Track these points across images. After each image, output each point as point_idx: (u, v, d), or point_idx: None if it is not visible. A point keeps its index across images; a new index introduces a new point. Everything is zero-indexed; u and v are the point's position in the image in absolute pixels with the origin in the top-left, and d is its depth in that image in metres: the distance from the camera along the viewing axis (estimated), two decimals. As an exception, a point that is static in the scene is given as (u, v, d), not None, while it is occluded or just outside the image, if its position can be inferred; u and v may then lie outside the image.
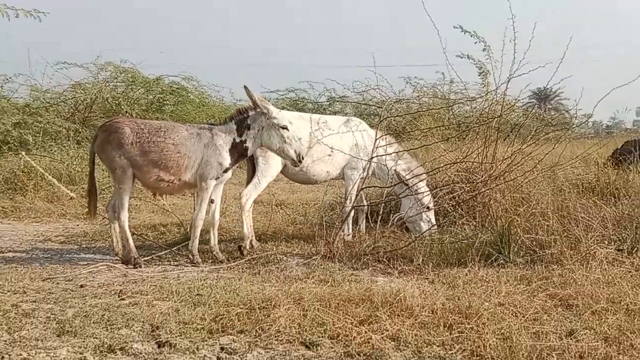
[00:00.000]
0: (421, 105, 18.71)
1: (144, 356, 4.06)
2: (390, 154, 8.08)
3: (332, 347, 4.20)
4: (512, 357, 3.99)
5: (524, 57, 8.30)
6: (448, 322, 4.58)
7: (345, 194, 8.15)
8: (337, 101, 22.54)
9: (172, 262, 7.00)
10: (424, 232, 7.47)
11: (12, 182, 11.53)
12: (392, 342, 4.26)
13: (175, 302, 5.18)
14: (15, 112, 15.57)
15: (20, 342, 4.24)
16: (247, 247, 7.41)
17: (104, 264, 6.72)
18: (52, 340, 4.28)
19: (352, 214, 7.89)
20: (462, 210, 7.89)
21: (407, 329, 4.41)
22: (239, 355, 4.08)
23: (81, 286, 5.84)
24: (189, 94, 19.91)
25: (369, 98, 21.40)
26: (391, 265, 6.60)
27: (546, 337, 4.33)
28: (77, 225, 9.55)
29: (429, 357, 4.05)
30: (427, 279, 6.07)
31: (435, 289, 5.48)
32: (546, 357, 3.99)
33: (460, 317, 4.66)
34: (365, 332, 4.34)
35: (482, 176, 7.97)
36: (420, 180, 7.90)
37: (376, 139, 7.82)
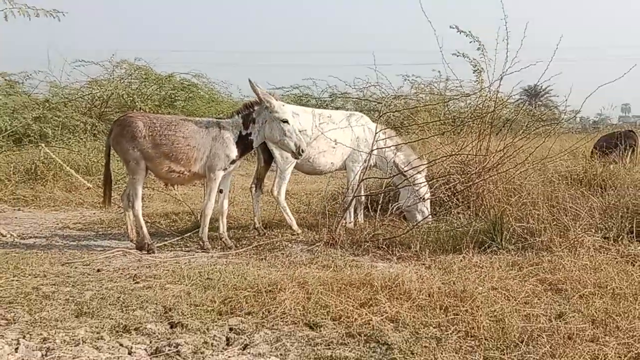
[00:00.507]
0: (418, 102, 18.64)
1: (157, 336, 4.07)
2: (390, 146, 8.09)
3: (334, 328, 4.19)
4: (505, 338, 3.99)
5: (516, 55, 8.29)
6: (444, 304, 4.57)
7: (347, 185, 8.17)
8: (339, 97, 22.51)
9: (183, 248, 7.00)
10: (420, 222, 7.47)
11: (33, 172, 11.54)
12: (391, 324, 4.26)
13: (186, 285, 5.18)
14: (36, 107, 15.60)
15: (40, 322, 4.25)
16: (297, 231, 7.62)
17: (120, 249, 6.73)
18: (70, 321, 4.29)
19: (353, 203, 7.90)
20: (457, 200, 7.87)
21: (405, 311, 4.41)
22: (247, 336, 4.08)
23: (98, 270, 5.85)
24: (199, 90, 19.95)
25: (369, 94, 21.38)
26: (390, 252, 6.60)
27: (537, 319, 4.33)
28: (94, 213, 9.55)
29: (425, 337, 4.04)
30: (424, 264, 6.07)
31: (431, 274, 5.47)
32: (537, 338, 3.98)
33: (455, 300, 4.66)
34: (366, 314, 4.34)
35: (476, 168, 7.95)
36: (418, 172, 7.90)
37: (376, 133, 7.83)
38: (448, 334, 4.08)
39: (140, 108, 16.27)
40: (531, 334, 4.02)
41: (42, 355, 3.74)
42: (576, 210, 6.81)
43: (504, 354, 3.77)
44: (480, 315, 4.31)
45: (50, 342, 3.90)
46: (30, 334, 4.02)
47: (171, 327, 4.22)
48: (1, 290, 4.98)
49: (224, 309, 4.54)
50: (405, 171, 7.88)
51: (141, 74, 18.62)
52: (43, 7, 8.22)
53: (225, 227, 7.09)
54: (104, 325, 4.19)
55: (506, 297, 4.78)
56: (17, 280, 5.32)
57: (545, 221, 6.55)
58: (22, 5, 8.05)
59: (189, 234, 7.52)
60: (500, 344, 3.92)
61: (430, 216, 7.84)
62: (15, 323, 4.24)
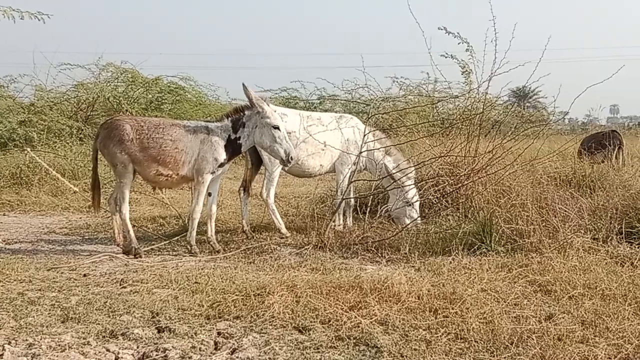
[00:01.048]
0: (407, 103, 18.70)
1: (144, 341, 4.05)
2: (379, 148, 8.09)
3: (323, 331, 4.19)
4: (494, 340, 4.00)
5: (505, 56, 8.34)
6: (433, 307, 4.58)
7: (337, 187, 8.18)
8: (328, 99, 22.52)
9: (171, 252, 6.97)
10: (407, 225, 7.46)
11: (18, 177, 11.50)
12: (381, 326, 4.26)
13: (174, 289, 5.17)
14: (21, 111, 15.58)
15: (26, 328, 4.23)
16: (285, 234, 7.63)
17: (106, 254, 6.70)
18: (56, 327, 4.26)
19: (342, 205, 7.91)
20: (446, 201, 7.90)
21: (395, 314, 4.42)
22: (235, 340, 4.07)
23: (84, 275, 5.82)
24: (187, 93, 19.88)
25: (357, 96, 21.39)
26: (379, 254, 6.61)
27: (526, 321, 4.34)
28: (80, 217, 9.50)
29: (415, 340, 4.04)
30: (413, 266, 6.08)
31: (421, 276, 5.47)
32: (526, 339, 4.00)
33: (445, 302, 4.67)
34: (355, 317, 4.34)
35: (465, 170, 7.98)
36: (405, 175, 7.90)
37: (365, 135, 7.84)
38: (438, 336, 4.09)
39: (127, 111, 16.21)
40: (521, 336, 4.04)
41: (28, 361, 3.72)
42: (565, 211, 6.83)
43: (493, 356, 3.78)
44: (470, 317, 4.32)
45: (36, 347, 3.88)
46: (16, 340, 3.99)
47: (158, 332, 4.20)
48: (-14, 296, 4.94)
49: (212, 313, 4.53)
50: (393, 174, 7.89)
51: (128, 77, 18.57)
52: (28, 10, 8.18)
53: (213, 230, 7.07)
54: (90, 331, 4.16)
55: (496, 299, 4.79)
56: (2, 286, 5.28)
57: (534, 222, 6.57)
58: (6, 7, 8.01)
59: (176, 237, 7.49)
60: (490, 346, 3.93)
61: (419, 219, 7.84)
62: (0, 329, 4.21)
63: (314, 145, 7.87)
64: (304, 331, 4.21)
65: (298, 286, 4.93)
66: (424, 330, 4.20)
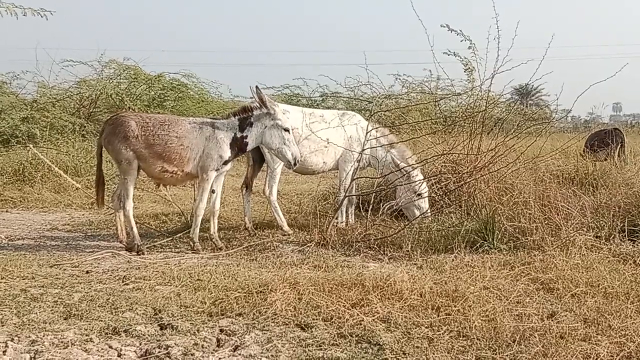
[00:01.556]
0: (410, 101, 18.65)
1: (147, 338, 4.05)
2: (383, 145, 8.09)
3: (325, 329, 4.19)
4: (497, 338, 4.00)
5: (507, 54, 8.33)
6: (436, 304, 4.58)
7: (339, 184, 8.17)
8: (330, 97, 22.49)
9: (173, 249, 6.98)
10: (418, 217, 7.47)
11: (21, 173, 11.49)
12: (383, 324, 4.26)
13: (176, 286, 5.17)
14: (24, 108, 15.57)
15: (29, 325, 4.23)
16: (288, 232, 7.66)
17: (109, 251, 6.70)
18: (59, 323, 4.27)
19: (345, 203, 7.90)
20: (448, 199, 7.90)
21: (397, 312, 4.41)
22: (238, 337, 4.07)
23: (87, 272, 5.83)
24: (189, 90, 19.87)
25: (360, 94, 21.37)
26: (382, 252, 6.62)
27: (529, 319, 4.33)
28: (83, 214, 9.51)
29: (417, 337, 4.04)
30: (415, 264, 6.07)
31: (423, 274, 5.47)
32: (529, 337, 3.99)
33: (447, 300, 4.66)
34: (357, 314, 4.34)
35: (468, 167, 7.97)
36: (415, 169, 7.89)
37: (367, 132, 7.83)
38: (440, 334, 4.09)
39: (129, 108, 16.23)
40: (523, 334, 4.03)
41: (31, 357, 3.72)
42: (568, 209, 6.83)
43: (496, 354, 3.78)
44: (472, 315, 4.32)
45: (38, 344, 3.88)
46: (19, 337, 3.99)
47: (161, 329, 4.21)
48: (-11, 293, 4.95)
49: (215, 310, 4.53)
50: (402, 168, 7.86)
51: (130, 73, 18.55)
52: (30, 7, 8.18)
53: (216, 227, 7.08)
54: (93, 328, 4.17)
55: (498, 297, 4.79)
56: (4, 283, 5.28)
57: (537, 220, 6.56)
58: (9, 4, 8.01)
59: (178, 235, 7.50)
60: (493, 344, 3.92)
61: (428, 211, 7.81)
62: (3, 325, 4.21)
63: (316, 143, 7.87)
64: (306, 328, 4.21)
65: (300, 283, 4.93)
66: (426, 327, 4.20)
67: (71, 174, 11.75)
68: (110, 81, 18.18)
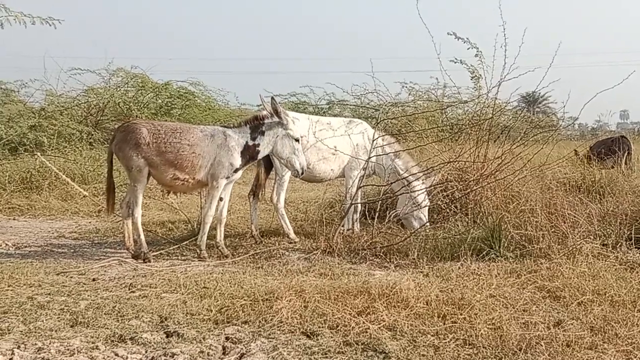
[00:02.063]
0: (416, 109, 18.63)
1: (153, 345, 4.06)
2: (388, 153, 8.09)
3: (331, 337, 4.19)
4: (503, 346, 3.99)
5: (514, 62, 8.32)
6: (442, 312, 4.58)
7: (345, 192, 8.17)
8: (337, 104, 22.49)
9: (179, 257, 6.99)
10: (417, 229, 7.46)
11: (28, 181, 11.52)
12: (389, 332, 4.26)
13: (182, 294, 5.18)
14: (31, 116, 15.63)
15: (35, 332, 4.25)
16: (294, 239, 7.67)
17: (115, 258, 6.72)
18: (65, 331, 4.28)
19: (351, 210, 7.90)
20: (455, 207, 7.87)
21: (403, 320, 4.41)
22: (244, 345, 4.07)
23: (93, 280, 5.84)
24: (196, 98, 19.93)
25: (366, 102, 21.36)
26: (388, 260, 6.62)
27: (535, 327, 4.33)
28: (90, 222, 9.54)
29: (423, 345, 4.03)
30: (421, 272, 6.07)
31: (429, 282, 5.46)
32: (535, 345, 3.98)
33: (453, 308, 4.66)
34: (363, 322, 4.34)
35: (474, 175, 7.96)
36: (417, 179, 7.90)
37: (374, 140, 7.84)
38: (446, 342, 4.08)
39: (137, 116, 16.27)
40: (529, 342, 4.02)
41: (37, 365, 3.74)
42: (574, 217, 6.81)
43: (502, 362, 3.77)
44: (479, 323, 4.31)
45: (45, 352, 3.90)
46: (25, 344, 4.01)
47: (167, 337, 4.22)
48: (-4, 300, 4.97)
49: (221, 318, 4.54)
50: (404, 178, 7.88)
51: (138, 82, 18.61)
52: (39, 15, 8.22)
53: (222, 235, 7.08)
54: (99, 335, 4.18)
55: (504, 305, 4.78)
56: (12, 290, 5.30)
57: (543, 228, 6.55)
58: (17, 12, 8.05)
59: (185, 242, 7.51)
60: (499, 352, 3.92)
61: (427, 223, 7.81)
62: (9, 333, 4.23)
63: (324, 150, 7.88)
64: (312, 336, 4.21)
65: (306, 291, 4.93)
66: (432, 335, 4.20)
67: (78, 181, 11.78)
68: (118, 89, 18.25)
